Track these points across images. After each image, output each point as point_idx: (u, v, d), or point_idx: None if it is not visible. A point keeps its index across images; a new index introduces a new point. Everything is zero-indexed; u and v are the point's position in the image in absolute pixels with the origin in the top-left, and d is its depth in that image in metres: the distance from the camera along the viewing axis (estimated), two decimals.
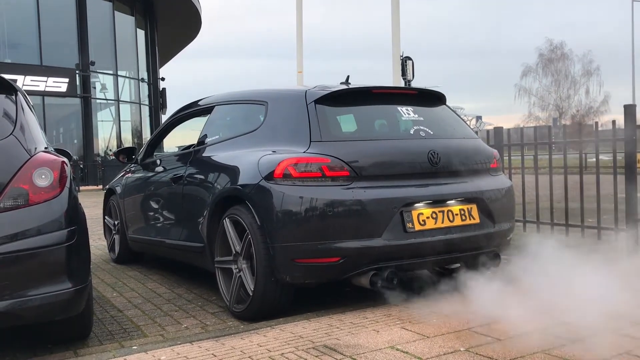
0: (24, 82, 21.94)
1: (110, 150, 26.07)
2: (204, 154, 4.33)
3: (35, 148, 2.96)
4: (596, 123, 5.66)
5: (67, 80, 24.09)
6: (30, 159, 2.86)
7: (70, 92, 24.31)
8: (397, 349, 2.71)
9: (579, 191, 5.50)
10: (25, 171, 2.81)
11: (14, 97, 3.16)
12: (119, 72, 27.43)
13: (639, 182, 4.92)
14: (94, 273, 5.19)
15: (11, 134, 2.92)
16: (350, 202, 3.33)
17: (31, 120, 3.15)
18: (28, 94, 3.53)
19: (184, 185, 4.37)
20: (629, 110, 4.85)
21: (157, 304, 4.10)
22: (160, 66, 32.99)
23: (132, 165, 5.69)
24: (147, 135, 28.56)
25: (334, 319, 3.25)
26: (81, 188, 20.62)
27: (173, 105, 34.94)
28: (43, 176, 2.84)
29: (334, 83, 4.16)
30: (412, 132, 3.82)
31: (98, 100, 26.57)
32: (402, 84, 12.53)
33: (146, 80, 29.86)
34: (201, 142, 4.50)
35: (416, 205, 3.50)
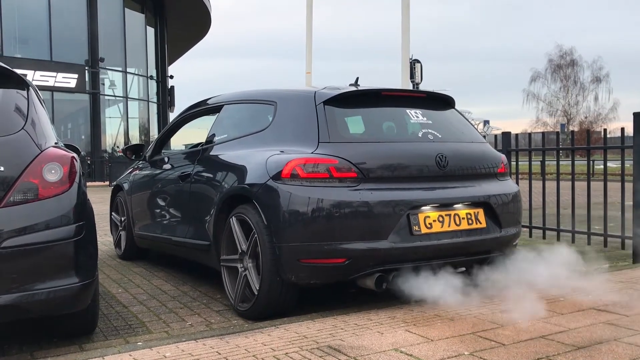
0: (33, 77, 22.08)
1: (118, 146, 26.16)
2: (211, 153, 4.35)
3: (46, 143, 2.97)
4: (605, 130, 5.65)
5: (76, 76, 24.21)
6: (40, 153, 2.88)
7: (79, 88, 24.44)
8: (401, 352, 2.71)
9: (586, 198, 5.49)
10: (36, 166, 2.83)
11: (25, 92, 3.18)
12: (128, 69, 27.53)
13: None
14: (100, 269, 5.21)
15: (22, 128, 2.94)
16: (357, 204, 3.34)
17: (42, 115, 3.17)
18: (37, 89, 3.55)
19: (191, 183, 4.38)
20: (638, 117, 4.83)
21: (162, 301, 4.12)
22: (169, 64, 33.08)
23: (140, 162, 5.71)
24: (154, 132, 28.64)
25: (338, 319, 3.25)
26: (88, 184, 20.68)
27: (181, 103, 35.06)
28: (53, 171, 2.85)
29: (343, 84, 4.17)
30: (420, 135, 3.82)
31: (106, 97, 26.67)
32: (410, 86, 12.53)
33: (155, 78, 29.95)
34: (209, 140, 4.51)
35: (423, 208, 3.51)
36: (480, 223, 3.70)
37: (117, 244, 5.99)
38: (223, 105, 4.66)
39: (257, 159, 3.66)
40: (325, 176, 3.38)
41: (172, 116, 24.91)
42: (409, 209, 3.44)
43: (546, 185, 6.00)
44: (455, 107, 4.34)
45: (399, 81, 10.97)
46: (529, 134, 6.27)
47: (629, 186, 5.04)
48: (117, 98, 27.46)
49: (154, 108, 29.98)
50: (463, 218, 3.63)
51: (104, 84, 26.06)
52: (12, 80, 3.17)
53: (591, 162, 5.85)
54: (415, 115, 3.90)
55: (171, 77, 31.66)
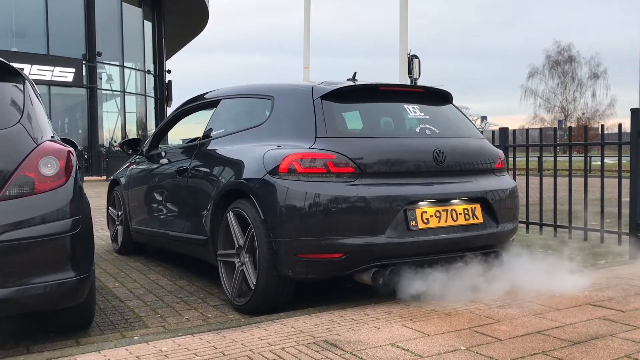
0: (30, 71, 21.96)
1: (115, 141, 26.10)
2: (209, 147, 4.34)
3: (42, 137, 2.96)
4: (602, 126, 5.65)
5: (73, 70, 24.11)
6: (36, 147, 2.86)
7: (76, 82, 24.33)
8: (398, 346, 2.71)
9: (582, 194, 5.50)
10: (32, 160, 2.82)
11: (21, 85, 3.17)
12: (126, 64, 27.43)
13: None
14: (97, 263, 5.21)
15: (18, 122, 2.93)
16: (354, 199, 3.34)
17: (38, 109, 3.16)
18: (34, 83, 3.53)
19: (188, 177, 4.37)
20: (635, 114, 4.83)
21: (159, 296, 4.11)
22: (167, 58, 32.99)
23: (137, 156, 5.70)
24: (151, 127, 28.59)
25: (335, 314, 3.26)
26: (85, 178, 20.65)
27: (178, 98, 34.95)
28: (49, 165, 2.84)
29: (341, 79, 4.16)
30: (417, 130, 3.82)
31: (104, 91, 26.59)
32: (408, 82, 12.51)
33: (152, 72, 29.86)
34: (206, 135, 4.50)
35: (420, 203, 3.50)
36: (477, 218, 3.70)
37: (114, 238, 5.98)
38: (220, 99, 4.65)
39: (254, 154, 3.65)
40: (322, 171, 3.38)
41: (170, 111, 24.89)
42: (406, 204, 3.44)
43: (543, 181, 6.00)
44: (453, 102, 4.34)
45: (397, 77, 10.97)
46: (527, 130, 6.26)
47: (626, 182, 5.05)
48: (115, 92, 27.37)
49: (151, 102, 29.90)
50: (460, 213, 3.63)
51: (101, 78, 25.97)
52: (8, 74, 3.16)
53: (588, 158, 5.85)
54: (413, 110, 3.90)
55: (169, 71, 31.58)
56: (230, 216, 3.70)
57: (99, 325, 3.43)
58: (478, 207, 3.73)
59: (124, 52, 26.98)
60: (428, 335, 2.87)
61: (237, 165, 3.80)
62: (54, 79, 23.42)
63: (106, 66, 26.55)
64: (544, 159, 6.04)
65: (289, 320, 3.16)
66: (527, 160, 6.04)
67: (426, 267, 3.52)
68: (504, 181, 4.04)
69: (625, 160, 5.29)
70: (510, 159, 6.19)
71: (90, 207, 3.18)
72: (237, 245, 3.66)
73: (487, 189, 3.82)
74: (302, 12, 13.90)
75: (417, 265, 3.49)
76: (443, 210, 3.56)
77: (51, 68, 23.31)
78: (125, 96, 27.53)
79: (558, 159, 5.93)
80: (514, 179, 5.58)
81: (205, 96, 4.97)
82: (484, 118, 50.87)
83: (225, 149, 4.10)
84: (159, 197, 4.93)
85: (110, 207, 6.16)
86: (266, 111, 4.01)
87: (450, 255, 3.62)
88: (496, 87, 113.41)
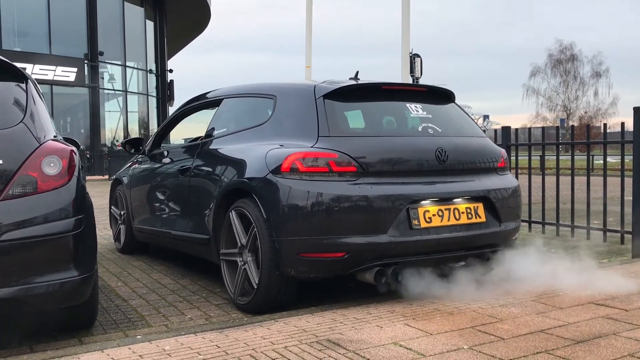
0: (32, 70, 22.02)
1: (117, 140, 26.13)
2: (211, 147, 4.34)
3: (45, 136, 2.97)
4: (604, 125, 5.65)
5: (75, 69, 24.16)
6: (39, 147, 2.87)
7: (78, 82, 24.38)
8: (400, 345, 2.71)
9: (585, 193, 5.49)
10: (35, 159, 2.82)
11: (24, 85, 3.17)
12: (128, 63, 27.46)
13: None
14: (99, 262, 5.21)
15: (21, 121, 2.93)
16: (356, 198, 3.33)
17: (41, 109, 3.16)
18: (37, 83, 3.53)
19: (190, 177, 4.38)
20: (638, 112, 4.82)
21: (162, 295, 4.12)
22: (169, 58, 33.02)
23: (139, 156, 5.70)
24: (154, 126, 28.61)
25: (337, 313, 3.26)
26: (87, 178, 20.67)
27: (180, 97, 35.01)
28: (52, 164, 2.85)
29: (343, 78, 4.16)
30: (420, 129, 3.81)
31: (106, 91, 26.63)
32: (410, 81, 12.50)
33: (154, 72, 29.89)
34: (209, 134, 4.50)
35: (423, 202, 3.50)
36: (480, 217, 3.70)
37: (117, 237, 5.99)
38: (222, 99, 4.65)
39: (256, 153, 3.66)
40: (324, 170, 3.38)
41: (172, 110, 24.91)
42: (408, 203, 3.44)
43: (546, 180, 6.00)
44: (456, 101, 4.33)
45: (399, 75, 10.95)
46: (529, 129, 6.26)
47: (628, 181, 5.04)
48: (117, 92, 27.41)
49: (153, 102, 29.92)
50: (462, 212, 3.62)
51: (103, 78, 26.01)
52: (11, 74, 3.16)
53: (591, 157, 5.85)
54: (415, 109, 3.90)
55: (170, 71, 31.60)
56: (233, 215, 3.70)
57: (102, 324, 3.44)
58: (481, 206, 3.73)
59: (126, 52, 27.01)
60: (431, 334, 2.87)
61: (239, 165, 3.80)
62: (56, 78, 23.47)
63: (108, 66, 26.59)
64: (546, 157, 6.04)
65: (291, 319, 3.16)
66: (530, 159, 6.04)
67: (429, 266, 3.52)
68: (507, 180, 4.04)
69: (628, 159, 5.28)
70: (513, 158, 6.19)
71: (92, 207, 3.18)
72: (239, 245, 3.66)
73: (489, 187, 3.81)
74: (303, 12, 13.91)
75: (420, 264, 3.49)
76: (445, 209, 3.56)
77: (53, 67, 23.37)
78: (127, 95, 27.57)
79: (560, 157, 5.93)
80: (517, 177, 5.57)
81: (207, 95, 4.97)
82: (486, 117, 50.80)
83: (227, 148, 4.10)
84: (161, 197, 4.93)
85: (112, 207, 6.17)
86: (268, 110, 4.01)
87: (452, 254, 3.62)
88: (498, 85, 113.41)
